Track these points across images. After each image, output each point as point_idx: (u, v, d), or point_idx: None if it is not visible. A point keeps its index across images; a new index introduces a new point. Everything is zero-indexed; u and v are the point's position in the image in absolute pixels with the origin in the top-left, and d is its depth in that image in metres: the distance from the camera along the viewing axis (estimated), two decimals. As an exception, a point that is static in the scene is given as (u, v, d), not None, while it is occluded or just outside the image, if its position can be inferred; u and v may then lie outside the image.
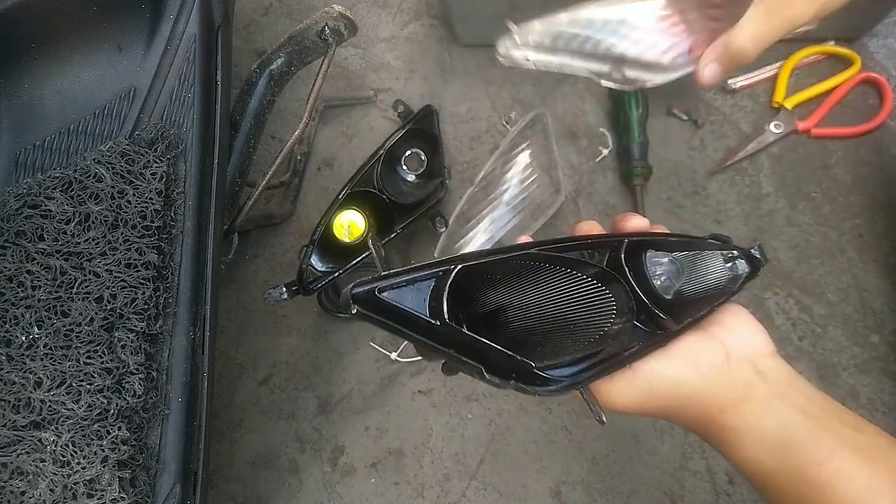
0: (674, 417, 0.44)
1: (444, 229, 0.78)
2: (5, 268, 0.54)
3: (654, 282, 0.43)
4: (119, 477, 0.50)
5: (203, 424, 0.56)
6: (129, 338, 0.53)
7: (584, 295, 0.42)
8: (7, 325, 0.53)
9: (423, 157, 0.80)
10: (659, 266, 0.43)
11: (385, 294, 0.35)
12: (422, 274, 0.36)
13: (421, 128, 0.80)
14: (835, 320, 0.74)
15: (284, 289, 0.71)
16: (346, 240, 0.74)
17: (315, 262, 0.73)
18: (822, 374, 0.73)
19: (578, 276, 0.42)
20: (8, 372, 0.52)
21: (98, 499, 0.50)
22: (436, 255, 0.78)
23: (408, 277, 0.36)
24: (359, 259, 0.73)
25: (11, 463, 0.50)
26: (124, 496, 0.50)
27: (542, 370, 0.37)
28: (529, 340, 0.41)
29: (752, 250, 0.49)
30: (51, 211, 0.55)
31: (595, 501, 0.71)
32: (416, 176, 0.80)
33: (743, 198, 0.80)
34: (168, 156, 0.58)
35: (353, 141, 0.89)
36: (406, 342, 0.79)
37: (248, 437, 0.78)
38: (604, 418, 0.41)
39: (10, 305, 0.53)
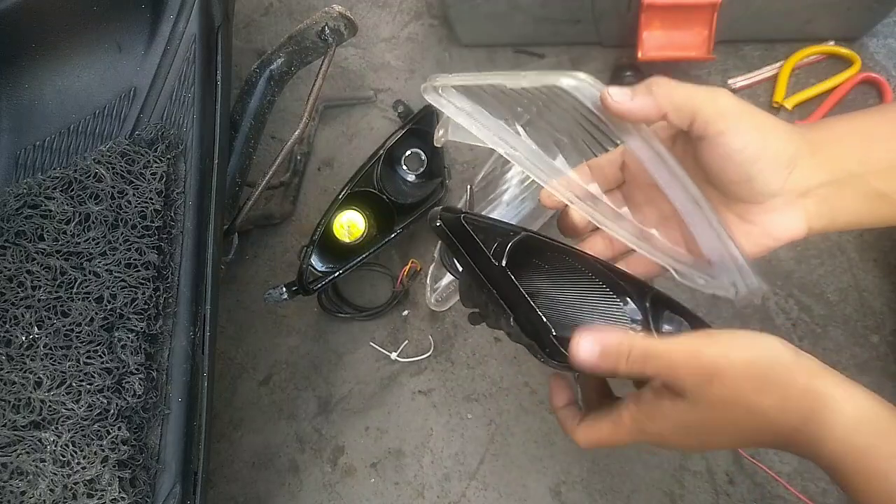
0: (748, 397, 0.38)
1: (444, 229, 0.78)
2: (5, 268, 0.54)
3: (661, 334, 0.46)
4: (119, 477, 0.50)
5: (203, 424, 0.56)
6: (129, 338, 0.53)
7: (608, 310, 0.46)
8: (7, 325, 0.53)
9: (423, 157, 0.80)
10: (670, 325, 0.46)
11: (467, 223, 0.43)
12: (499, 225, 0.44)
13: (421, 128, 0.80)
14: (835, 320, 0.74)
15: (284, 289, 0.71)
16: (346, 240, 0.74)
17: (315, 262, 0.73)
18: (822, 374, 0.73)
19: (611, 295, 0.46)
20: (8, 372, 0.52)
21: (98, 499, 0.50)
22: (435, 255, 0.78)
23: (489, 222, 0.43)
24: (359, 259, 0.73)
25: (11, 463, 0.50)
26: (124, 496, 0.50)
27: (557, 340, 0.42)
28: (557, 315, 0.46)
29: None
30: (51, 211, 0.55)
31: (595, 501, 0.71)
32: (416, 176, 0.80)
33: (743, 198, 0.80)
34: (168, 156, 0.58)
35: (353, 141, 0.89)
36: (405, 342, 0.79)
37: (248, 437, 0.78)
38: (580, 402, 0.45)
39: (10, 305, 0.53)
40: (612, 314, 0.46)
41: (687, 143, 0.43)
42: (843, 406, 0.37)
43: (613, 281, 0.46)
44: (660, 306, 0.47)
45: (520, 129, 0.44)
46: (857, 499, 0.37)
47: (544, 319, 0.42)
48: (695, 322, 0.48)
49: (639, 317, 0.45)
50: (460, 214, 0.43)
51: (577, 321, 0.45)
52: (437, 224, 0.42)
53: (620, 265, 0.48)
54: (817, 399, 0.38)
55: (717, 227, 0.43)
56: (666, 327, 0.46)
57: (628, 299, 0.46)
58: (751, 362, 0.39)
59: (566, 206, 0.46)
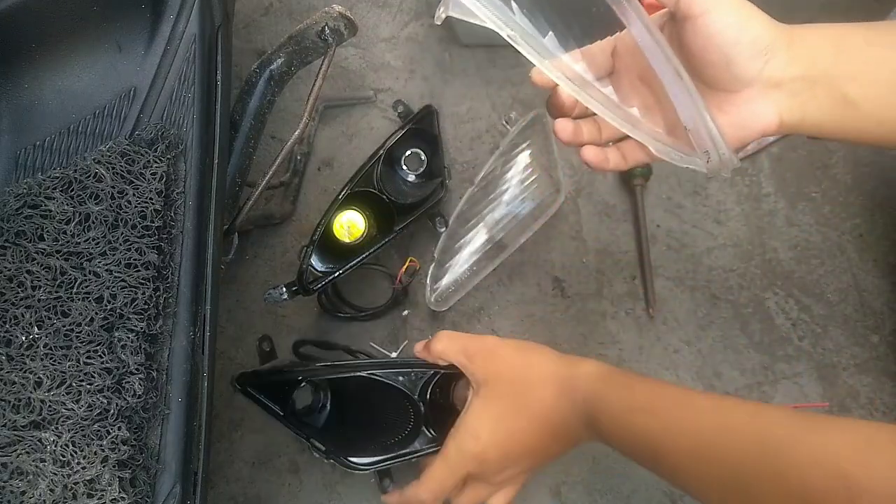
0: (520, 361, 0.56)
1: (444, 229, 0.78)
2: (5, 268, 0.54)
3: (456, 403, 0.61)
4: (119, 477, 0.50)
5: (203, 424, 0.56)
6: (129, 338, 0.53)
7: (394, 410, 0.61)
8: (7, 325, 0.53)
9: (423, 157, 0.80)
10: (465, 392, 0.58)
11: (251, 386, 0.62)
12: (276, 381, 0.62)
13: (421, 128, 0.80)
14: (835, 320, 0.74)
15: (284, 289, 0.71)
16: (346, 240, 0.74)
17: (315, 262, 0.73)
18: (822, 374, 0.73)
19: (393, 397, 0.61)
20: (8, 372, 0.52)
21: (98, 499, 0.50)
22: (435, 255, 0.78)
23: (266, 382, 0.62)
24: (359, 259, 0.73)
25: (11, 463, 0.50)
26: (124, 496, 0.50)
27: (350, 457, 0.59)
28: (353, 426, 0.63)
29: None
30: (51, 211, 0.55)
31: (595, 501, 0.71)
32: (416, 176, 0.80)
33: (743, 198, 0.80)
34: (168, 156, 0.58)
35: (353, 141, 0.89)
36: (406, 342, 0.79)
37: (248, 437, 0.78)
38: (387, 493, 0.62)
39: (10, 305, 0.53)
40: (396, 409, 0.60)
41: (672, 28, 0.45)
42: (585, 361, 0.54)
43: (390, 386, 0.60)
44: (450, 380, 0.61)
45: (518, 10, 0.47)
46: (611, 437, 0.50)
47: (322, 448, 0.59)
48: None
49: (424, 414, 0.60)
50: (244, 379, 0.62)
51: (373, 420, 0.62)
52: (237, 390, 0.62)
53: (611, 151, 0.52)
54: (572, 361, 0.54)
55: (696, 97, 0.45)
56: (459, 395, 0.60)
57: (406, 397, 0.60)
58: (517, 344, 0.57)
59: (556, 86, 0.48)
